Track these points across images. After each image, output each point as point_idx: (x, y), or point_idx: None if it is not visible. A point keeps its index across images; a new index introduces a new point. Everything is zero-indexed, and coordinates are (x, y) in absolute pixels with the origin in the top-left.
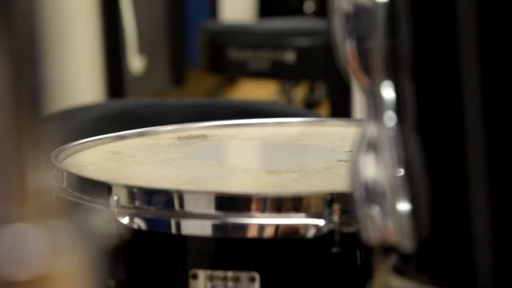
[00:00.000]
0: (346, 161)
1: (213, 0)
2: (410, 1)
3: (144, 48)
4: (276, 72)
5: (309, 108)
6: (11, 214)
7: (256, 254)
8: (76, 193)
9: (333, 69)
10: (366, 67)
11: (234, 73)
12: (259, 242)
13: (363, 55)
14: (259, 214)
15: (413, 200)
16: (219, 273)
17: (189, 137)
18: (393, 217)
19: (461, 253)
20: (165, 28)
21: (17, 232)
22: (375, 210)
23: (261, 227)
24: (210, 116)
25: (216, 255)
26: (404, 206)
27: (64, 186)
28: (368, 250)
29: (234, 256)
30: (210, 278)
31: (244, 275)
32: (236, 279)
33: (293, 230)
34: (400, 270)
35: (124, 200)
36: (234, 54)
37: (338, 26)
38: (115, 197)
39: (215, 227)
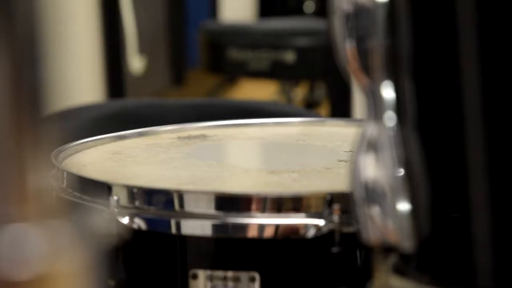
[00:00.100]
0: (346, 161)
1: (213, 0)
2: (410, 1)
3: (144, 48)
4: (276, 72)
5: (309, 108)
6: (11, 214)
7: (256, 254)
8: (76, 193)
9: (333, 69)
10: (366, 67)
11: (234, 73)
12: (259, 242)
13: (363, 55)
14: (259, 214)
15: (413, 200)
16: (219, 273)
17: (189, 137)
18: (393, 217)
19: (461, 253)
20: (165, 28)
21: (17, 232)
22: (375, 210)
23: (261, 227)
24: (210, 116)
25: (216, 255)
26: (404, 206)
27: (64, 186)
28: (368, 250)
29: (234, 256)
30: (210, 278)
31: (244, 275)
32: (236, 279)
33: (293, 230)
34: (400, 270)
35: (124, 200)
36: (234, 54)
37: (338, 26)
38: (115, 197)
39: (215, 227)
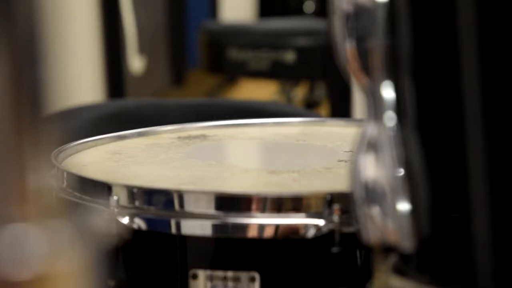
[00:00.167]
0: (346, 161)
1: (213, 0)
2: (410, 1)
3: (144, 48)
4: (276, 72)
5: (309, 108)
6: (11, 214)
7: (256, 254)
8: (76, 193)
9: (333, 69)
10: (366, 67)
11: (234, 73)
12: (259, 242)
13: (363, 55)
14: (259, 214)
15: (413, 200)
16: (219, 273)
17: (189, 137)
18: (393, 217)
19: (461, 253)
20: (165, 28)
21: (17, 232)
22: (375, 210)
23: (261, 227)
24: (210, 116)
25: (216, 255)
26: (404, 206)
27: (64, 186)
28: (368, 250)
29: (234, 256)
30: (210, 278)
31: (244, 275)
32: (236, 279)
33: (293, 230)
34: (400, 270)
35: (124, 200)
36: (234, 54)
37: (338, 26)
38: (115, 197)
39: (215, 227)
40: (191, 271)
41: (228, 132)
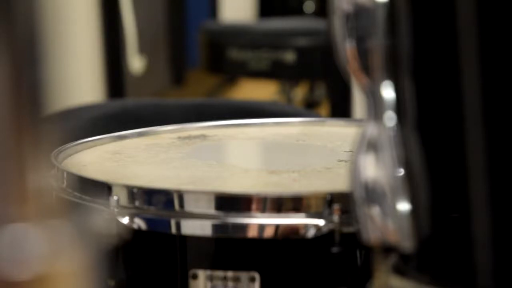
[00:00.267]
0: (346, 161)
1: (213, 0)
2: (410, 1)
3: (144, 48)
4: (276, 72)
5: (309, 108)
6: (11, 214)
7: (256, 254)
8: (76, 193)
9: (333, 69)
10: (366, 67)
11: (234, 73)
12: (259, 242)
13: (363, 55)
14: (259, 214)
15: (413, 200)
16: (219, 273)
17: (189, 137)
18: (393, 217)
19: (461, 253)
20: (165, 28)
21: (17, 232)
22: (375, 210)
23: (261, 227)
24: (210, 116)
25: (216, 255)
26: (404, 206)
27: (64, 186)
28: (368, 250)
29: (234, 256)
30: (210, 278)
31: (244, 275)
32: (236, 279)
33: (293, 230)
34: (400, 270)
35: (124, 200)
36: (234, 54)
37: (338, 26)
38: (115, 197)
39: (215, 227)
40: (191, 271)
41: (228, 132)
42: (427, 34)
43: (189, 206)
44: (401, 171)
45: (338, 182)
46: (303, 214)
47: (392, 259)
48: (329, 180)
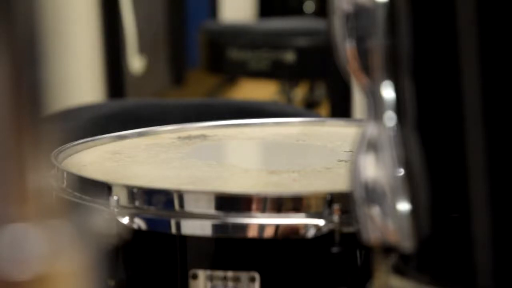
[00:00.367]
0: (346, 161)
1: (213, 0)
2: (410, 1)
3: (144, 48)
4: (276, 72)
5: (309, 108)
6: (11, 214)
7: (256, 254)
8: (76, 193)
9: (333, 69)
10: (366, 67)
11: (234, 73)
12: (259, 242)
13: (363, 55)
14: (259, 214)
15: (413, 200)
16: (219, 273)
17: (189, 137)
18: (393, 217)
19: (461, 253)
20: (165, 28)
21: (17, 232)
22: (375, 210)
23: (261, 227)
24: (210, 116)
25: (216, 255)
26: (404, 206)
27: (64, 186)
28: (368, 250)
29: (234, 256)
30: (210, 278)
31: (244, 275)
32: (236, 279)
33: (293, 230)
34: (400, 270)
35: (124, 200)
36: (234, 54)
37: (338, 26)
38: (115, 197)
39: (215, 227)
40: (191, 271)
41: (228, 132)
42: (427, 34)
43: (189, 206)
44: (401, 171)
45: (338, 182)
46: (303, 214)
47: (392, 259)
48: (329, 180)
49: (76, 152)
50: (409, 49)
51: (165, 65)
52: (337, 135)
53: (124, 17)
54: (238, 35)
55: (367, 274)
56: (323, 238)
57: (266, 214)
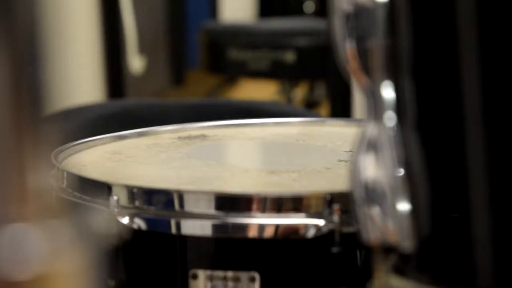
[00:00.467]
0: (346, 161)
1: (213, 0)
2: (410, 1)
3: (144, 48)
4: (276, 72)
5: (309, 108)
6: (11, 214)
7: (256, 254)
8: (76, 193)
9: (333, 69)
10: (366, 67)
11: (234, 73)
12: (259, 242)
13: (363, 55)
14: (259, 214)
15: (413, 200)
16: (219, 273)
17: (189, 137)
18: (393, 217)
19: (461, 253)
20: (165, 28)
21: (17, 232)
22: (375, 210)
23: (261, 227)
24: (210, 116)
25: (216, 255)
26: (404, 206)
27: (64, 186)
28: (368, 250)
29: (234, 256)
30: (210, 278)
31: (244, 275)
32: (236, 279)
33: (293, 230)
34: (400, 270)
35: (124, 200)
36: (234, 54)
37: (338, 26)
38: (115, 197)
39: (215, 227)
40: (191, 271)
41: (228, 132)
42: (427, 34)
43: (189, 206)
44: (401, 171)
45: (338, 182)
46: (303, 214)
47: (392, 259)
48: (329, 180)
49: (76, 152)
50: (409, 49)
51: (165, 65)
52: (337, 135)
53: (124, 17)
54: (238, 35)
55: (367, 274)
56: (323, 238)
57: (266, 214)
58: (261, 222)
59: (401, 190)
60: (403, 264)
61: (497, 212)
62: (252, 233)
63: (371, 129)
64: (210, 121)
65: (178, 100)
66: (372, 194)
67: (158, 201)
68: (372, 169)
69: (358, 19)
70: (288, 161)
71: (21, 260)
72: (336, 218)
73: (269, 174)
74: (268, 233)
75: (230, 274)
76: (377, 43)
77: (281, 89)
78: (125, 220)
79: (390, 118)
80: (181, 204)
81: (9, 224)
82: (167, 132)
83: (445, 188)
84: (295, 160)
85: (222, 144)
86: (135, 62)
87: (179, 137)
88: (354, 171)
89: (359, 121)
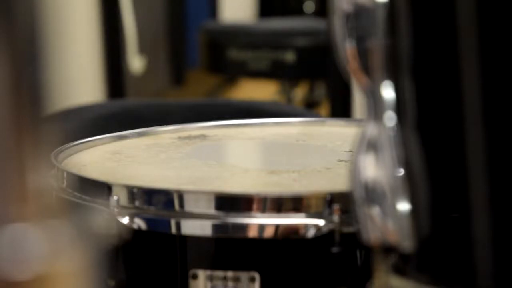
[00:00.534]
0: (346, 161)
1: (213, 0)
2: (410, 1)
3: (144, 48)
4: (276, 72)
5: (309, 108)
6: (11, 214)
7: (256, 254)
8: (76, 193)
9: (333, 69)
10: (366, 67)
11: (234, 73)
12: (259, 242)
13: (363, 55)
14: (259, 214)
15: (413, 200)
16: (219, 273)
17: (189, 137)
18: (393, 217)
19: (461, 253)
20: (165, 28)
21: (17, 232)
22: (375, 210)
23: (261, 227)
24: (210, 116)
25: (216, 255)
26: (404, 206)
27: (64, 186)
28: (368, 250)
29: (234, 256)
30: (210, 278)
31: (244, 275)
32: (236, 279)
33: (293, 230)
34: (400, 270)
35: (124, 200)
36: (234, 54)
37: (338, 26)
38: (115, 197)
39: (215, 227)
40: (191, 271)
41: (228, 132)
42: (427, 34)
43: (189, 206)
44: (401, 171)
45: (338, 182)
46: (303, 214)
47: (392, 259)
48: (329, 180)
49: (76, 152)
50: (409, 49)
51: (165, 65)
52: (337, 135)
53: (124, 17)
54: (238, 35)
55: (367, 274)
56: (323, 238)
57: (266, 214)
58: (261, 222)
59: (401, 190)
60: (403, 264)
61: (497, 212)
62: (252, 233)
63: (371, 129)
64: (210, 121)
65: (178, 100)
66: (372, 194)
67: (158, 201)
68: (372, 169)
69: (358, 19)
70: (288, 161)
71: (21, 260)
72: (336, 218)
73: (269, 174)
74: (268, 233)
75: (230, 274)
76: (377, 43)
77: (281, 89)
78: (125, 220)
79: (390, 118)
80: (181, 204)
81: (9, 224)
82: (167, 132)
83: (445, 188)
84: (295, 160)
85: (222, 144)
86: (135, 62)
87: (179, 137)
88: (354, 171)
89: (359, 121)
